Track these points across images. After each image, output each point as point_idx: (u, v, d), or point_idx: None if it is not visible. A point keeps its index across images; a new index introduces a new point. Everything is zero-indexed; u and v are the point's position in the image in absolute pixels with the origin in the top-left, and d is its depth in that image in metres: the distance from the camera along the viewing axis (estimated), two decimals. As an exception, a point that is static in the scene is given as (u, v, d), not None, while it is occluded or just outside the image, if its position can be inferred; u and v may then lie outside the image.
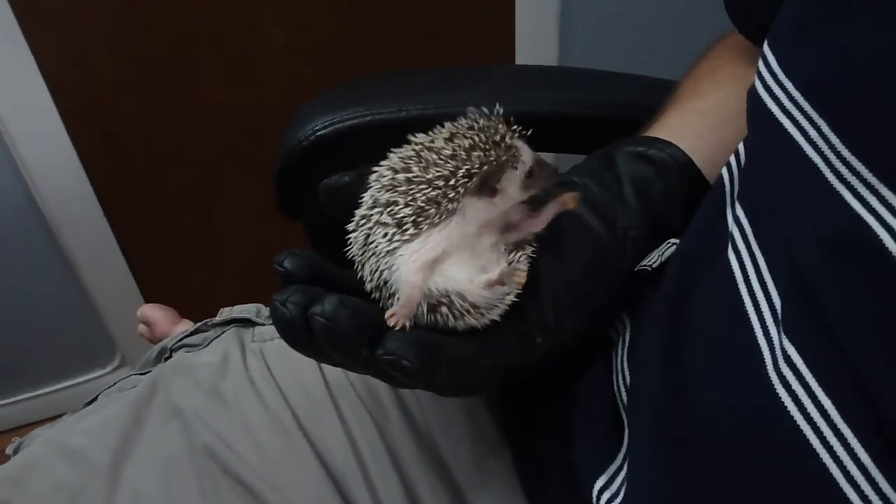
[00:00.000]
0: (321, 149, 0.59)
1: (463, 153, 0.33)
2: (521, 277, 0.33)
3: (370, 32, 1.22)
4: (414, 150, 0.33)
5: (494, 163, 0.33)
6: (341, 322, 0.28)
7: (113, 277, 1.33)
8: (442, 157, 0.33)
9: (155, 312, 0.65)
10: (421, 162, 0.33)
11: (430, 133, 0.34)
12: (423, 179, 0.32)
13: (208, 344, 0.53)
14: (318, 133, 0.59)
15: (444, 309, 0.32)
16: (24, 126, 1.12)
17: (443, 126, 0.34)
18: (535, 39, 1.26)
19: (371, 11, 1.20)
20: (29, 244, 1.25)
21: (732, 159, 0.38)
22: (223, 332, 0.54)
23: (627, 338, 0.40)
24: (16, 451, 0.50)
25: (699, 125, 0.45)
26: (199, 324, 0.56)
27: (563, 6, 1.21)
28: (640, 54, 1.19)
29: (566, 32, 1.25)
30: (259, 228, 1.26)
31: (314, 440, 0.46)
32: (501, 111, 0.34)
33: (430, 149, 0.33)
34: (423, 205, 0.32)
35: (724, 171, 0.38)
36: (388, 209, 0.32)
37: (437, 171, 0.32)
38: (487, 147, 0.33)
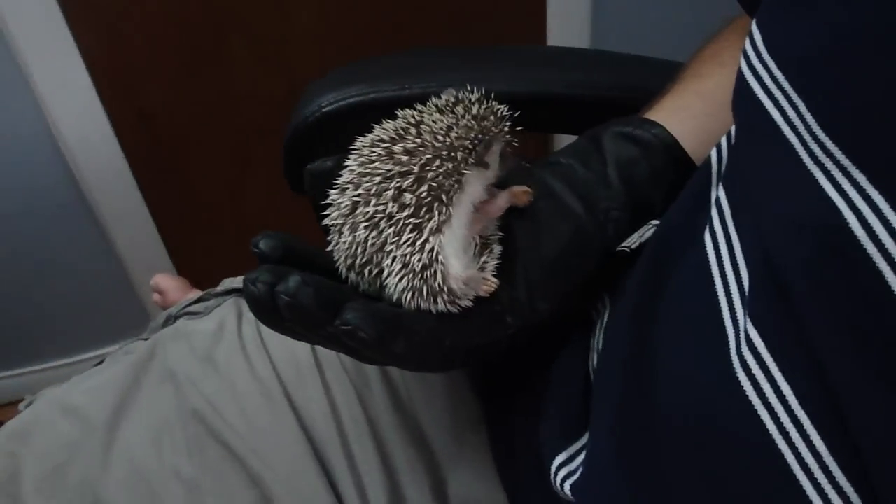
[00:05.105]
0: (327, 125, 0.60)
1: (466, 122, 0.32)
2: (491, 287, 0.33)
3: (397, 12, 1.22)
4: (406, 122, 0.33)
5: (491, 135, 0.33)
6: (302, 299, 0.29)
7: (147, 251, 1.37)
8: (441, 127, 0.32)
9: (167, 282, 0.68)
10: (421, 134, 0.32)
11: (417, 108, 0.34)
12: (431, 147, 0.32)
13: (210, 312, 0.55)
14: (324, 110, 0.60)
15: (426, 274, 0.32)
16: (64, 103, 1.16)
17: (425, 103, 0.34)
18: (567, 20, 1.24)
19: (398, -9, 1.20)
20: (67, 218, 1.29)
21: (723, 140, 0.38)
22: (224, 301, 0.55)
23: (606, 317, 0.40)
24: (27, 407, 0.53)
25: (696, 106, 0.44)
26: (202, 293, 0.58)
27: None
28: (675, 39, 1.16)
29: (599, 13, 1.22)
30: (287, 205, 1.28)
31: (298, 408, 0.47)
32: (483, 91, 0.34)
33: (423, 123, 0.33)
34: (442, 180, 0.32)
35: (714, 152, 0.38)
36: (395, 182, 0.32)
37: (439, 141, 0.32)
38: (484, 118, 0.33)
